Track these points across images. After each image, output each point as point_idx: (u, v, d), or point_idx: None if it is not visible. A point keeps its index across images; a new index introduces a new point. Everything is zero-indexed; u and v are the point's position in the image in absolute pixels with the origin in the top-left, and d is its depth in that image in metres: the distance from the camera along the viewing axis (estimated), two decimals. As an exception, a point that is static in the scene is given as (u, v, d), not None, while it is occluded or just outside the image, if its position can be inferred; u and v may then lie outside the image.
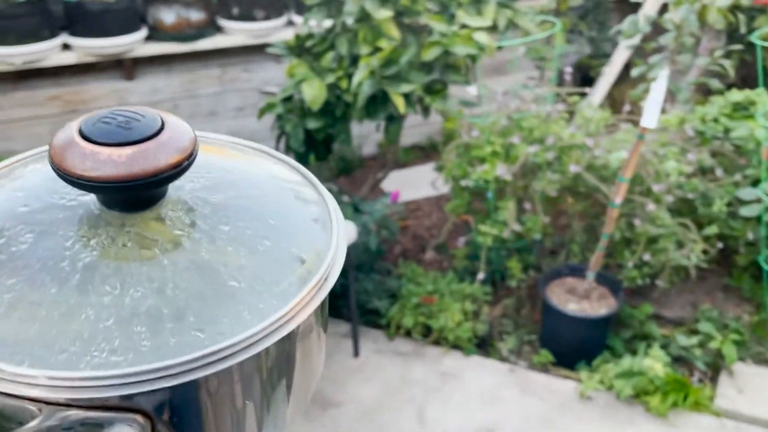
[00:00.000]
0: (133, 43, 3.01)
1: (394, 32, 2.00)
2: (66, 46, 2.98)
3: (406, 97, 1.97)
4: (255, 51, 3.40)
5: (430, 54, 1.93)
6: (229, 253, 0.36)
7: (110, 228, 0.35)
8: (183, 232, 0.36)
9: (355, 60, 2.17)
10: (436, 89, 2.03)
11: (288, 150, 2.33)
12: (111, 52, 2.98)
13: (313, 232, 0.39)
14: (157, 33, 3.08)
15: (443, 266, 2.73)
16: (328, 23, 2.18)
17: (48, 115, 3.12)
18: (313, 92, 2.03)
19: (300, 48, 2.32)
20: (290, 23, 3.36)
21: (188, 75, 3.32)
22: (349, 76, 2.14)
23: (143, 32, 3.04)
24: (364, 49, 2.00)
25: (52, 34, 2.90)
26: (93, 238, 0.35)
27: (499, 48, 2.03)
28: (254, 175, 0.43)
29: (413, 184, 3.34)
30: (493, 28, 2.12)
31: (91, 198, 0.37)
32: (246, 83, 3.44)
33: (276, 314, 0.33)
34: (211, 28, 3.18)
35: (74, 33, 2.93)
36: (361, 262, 2.34)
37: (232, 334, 0.31)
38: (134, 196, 0.35)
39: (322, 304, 0.36)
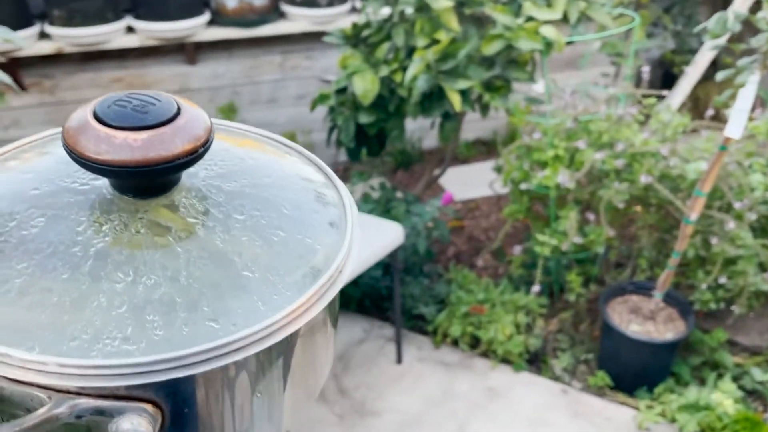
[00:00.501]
0: (195, 27, 2.98)
1: (454, 23, 1.86)
2: (130, 29, 2.98)
3: (463, 94, 1.84)
4: (317, 38, 3.32)
5: (491, 48, 1.78)
6: (243, 242, 0.35)
7: (123, 214, 0.35)
8: (197, 220, 0.35)
9: (411, 52, 2.04)
10: (496, 86, 1.89)
11: (339, 144, 2.24)
12: (173, 36, 2.97)
13: (326, 225, 0.38)
14: (219, 17, 3.05)
15: (498, 273, 2.58)
16: (386, 12, 2.07)
17: (112, 97, 3.15)
18: (365, 85, 1.93)
19: (356, 38, 2.22)
20: (354, 10, 3.26)
21: (250, 61, 3.28)
22: (405, 69, 2.02)
23: (206, 16, 3.01)
24: (420, 41, 1.88)
25: (117, 17, 2.91)
26: (105, 224, 0.34)
27: (569, 43, 1.86)
28: (268, 164, 0.43)
29: (473, 181, 3.20)
30: (563, 20, 1.95)
31: (103, 182, 0.36)
32: (307, 71, 3.38)
33: (290, 306, 0.32)
34: (273, 13, 3.12)
35: (138, 16, 2.93)
36: (409, 264, 2.23)
37: (245, 325, 0.31)
38: (148, 181, 0.34)
39: (333, 300, 0.35)
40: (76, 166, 0.34)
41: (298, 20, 3.14)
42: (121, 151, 0.32)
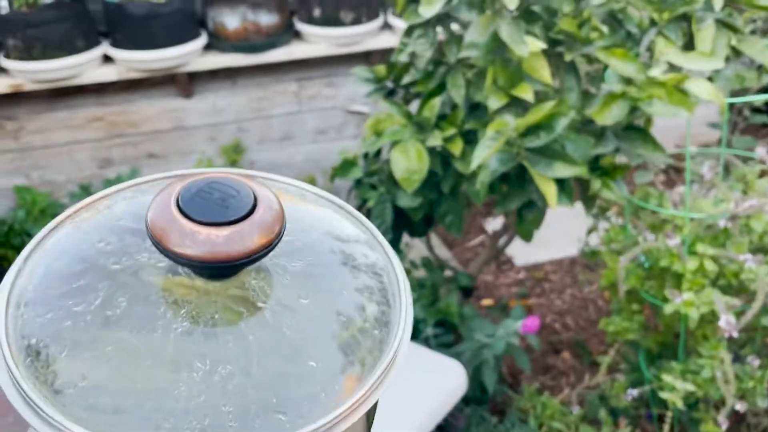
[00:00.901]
0: (188, 54, 2.38)
1: (546, 75, 1.22)
2: (107, 58, 2.40)
3: (560, 182, 1.20)
4: (341, 61, 2.70)
5: (610, 116, 1.14)
6: (308, 329, 0.36)
7: (199, 297, 0.36)
8: (266, 305, 0.36)
9: (475, 109, 1.41)
10: (608, 168, 1.24)
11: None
12: (161, 66, 2.37)
13: (381, 308, 0.39)
14: (218, 41, 2.44)
15: (581, 378, 1.94)
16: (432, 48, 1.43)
17: (90, 140, 2.57)
18: (409, 164, 1.30)
19: (393, 82, 1.59)
20: (387, 26, 2.63)
21: (257, 91, 2.67)
22: (465, 135, 1.38)
23: (201, 41, 2.40)
24: (494, 101, 1.24)
25: (89, 45, 2.31)
26: (183, 308, 0.35)
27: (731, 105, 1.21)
28: (329, 238, 0.42)
29: (540, 237, 2.55)
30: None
31: None
32: (329, 101, 2.75)
33: (352, 399, 0.33)
34: (286, 34, 2.49)
35: (116, 43, 2.33)
36: (469, 397, 1.60)
37: (311, 417, 0.32)
38: (226, 272, 0.36)
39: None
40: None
41: (316, 42, 2.52)
42: (203, 246, 0.33)
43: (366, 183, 1.57)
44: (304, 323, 0.36)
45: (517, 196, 1.28)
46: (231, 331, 0.35)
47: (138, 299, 0.35)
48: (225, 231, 0.33)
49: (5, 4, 2.25)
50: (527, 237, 1.39)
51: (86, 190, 2.53)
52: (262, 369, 0.34)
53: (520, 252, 2.49)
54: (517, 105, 1.26)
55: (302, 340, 0.35)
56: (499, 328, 1.43)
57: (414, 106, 1.53)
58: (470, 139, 1.40)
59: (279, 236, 0.35)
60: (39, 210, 2.49)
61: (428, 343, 1.82)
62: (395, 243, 1.58)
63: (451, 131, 1.35)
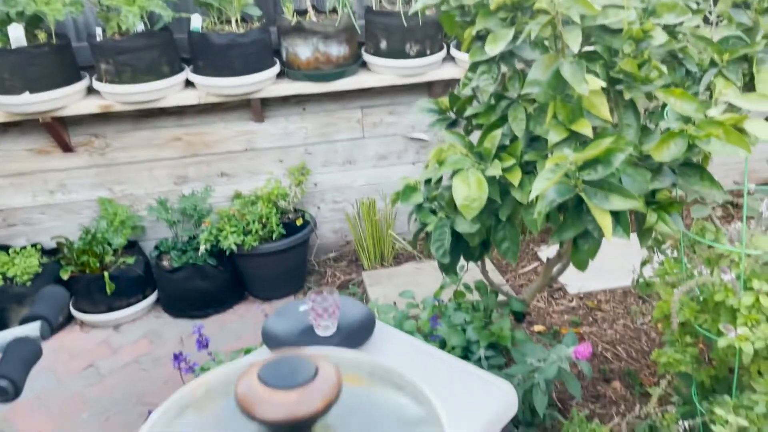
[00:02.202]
0: (263, 81, 2.53)
1: (605, 111, 1.29)
2: (188, 83, 2.58)
3: (616, 214, 1.26)
4: (403, 90, 2.81)
5: (668, 152, 1.19)
6: None
7: None
8: None
9: (534, 141, 1.48)
10: (665, 202, 1.29)
11: (428, 251, 1.70)
12: (237, 92, 2.53)
13: None
14: (290, 71, 2.59)
15: (631, 404, 1.95)
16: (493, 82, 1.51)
17: (168, 158, 2.75)
18: (469, 192, 1.38)
19: (456, 114, 1.68)
20: (449, 58, 2.73)
21: (324, 117, 2.81)
22: (524, 166, 1.46)
23: (275, 69, 2.56)
24: (554, 135, 1.31)
25: (173, 71, 2.50)
26: None
27: (785, 146, 1.25)
28: (384, 401, 0.50)
29: (596, 265, 2.57)
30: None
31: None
32: (390, 127, 2.87)
33: None
34: (354, 64, 2.63)
35: (197, 69, 2.51)
36: (519, 419, 1.65)
37: None
38: (297, 428, 0.42)
39: None
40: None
41: (382, 72, 2.64)
42: (278, 409, 0.41)
43: (426, 208, 1.66)
44: None
45: (574, 226, 1.34)
46: None
47: None
48: (293, 395, 0.42)
49: (99, 31, 2.46)
50: (582, 266, 1.44)
51: (163, 205, 2.70)
52: None
53: (574, 280, 2.52)
54: (575, 139, 1.33)
55: None
56: (551, 352, 1.48)
57: (475, 137, 1.61)
58: (528, 169, 1.47)
59: (336, 399, 0.42)
60: (119, 221, 2.67)
61: (480, 364, 1.88)
62: (452, 266, 1.65)
63: (511, 162, 1.43)
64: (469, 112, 1.55)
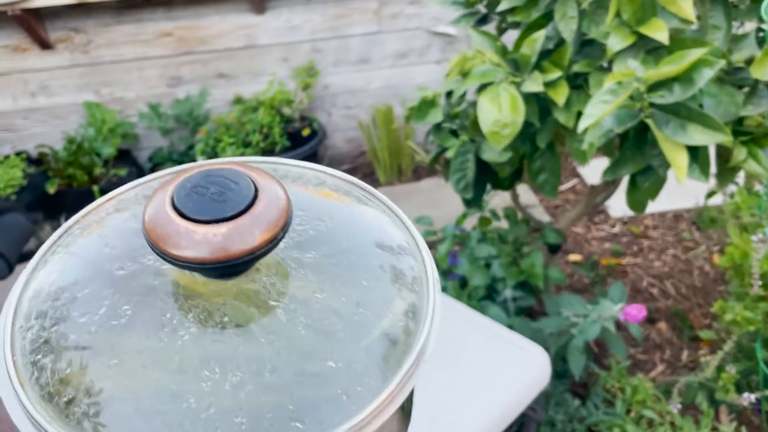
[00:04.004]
0: (260, -36, 2.16)
1: (687, 7, 0.94)
2: (174, -32, 2.22)
3: (693, 149, 0.94)
4: (428, -25, 2.41)
5: (774, 70, 0.86)
6: (325, 327, 0.33)
7: (206, 299, 0.33)
8: (278, 303, 0.34)
9: (585, 46, 1.14)
10: (757, 133, 0.97)
11: (446, 175, 1.41)
12: (230, -23, 2.17)
13: (406, 304, 0.35)
14: (293, -50, 2.20)
15: (679, 356, 1.71)
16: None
17: (158, 56, 2.43)
18: (500, 115, 1.07)
19: (486, 7, 1.32)
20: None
21: (335, 7, 2.43)
22: (573, 79, 1.13)
23: (274, -51, 2.18)
24: (616, 39, 0.98)
25: (155, -47, 2.13)
26: (189, 312, 0.33)
27: None
28: (347, 225, 0.39)
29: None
30: None
31: None
32: (412, 20, 2.48)
33: (376, 400, 0.30)
34: (367, -58, 2.22)
35: (183, -50, 2.14)
36: (549, 391, 1.42)
37: (331, 424, 0.30)
38: (228, 272, 0.33)
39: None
40: None
41: (401, -48, 2.24)
42: (200, 247, 0.30)
43: (446, 128, 1.35)
44: (321, 320, 0.33)
45: (633, 161, 1.04)
46: (241, 334, 0.32)
47: (143, 306, 0.33)
48: (222, 228, 0.31)
49: None
50: (639, 208, 1.15)
51: (155, 110, 2.42)
52: (276, 374, 0.31)
53: (617, 201, 2.22)
54: (644, 45, 0.99)
55: (319, 339, 0.33)
56: (594, 309, 1.22)
57: (510, 40, 1.28)
58: (577, 83, 1.15)
59: (284, 230, 0.32)
60: (108, 129, 2.40)
61: (506, 306, 1.64)
62: (476, 199, 1.36)
63: (555, 74, 1.10)
64: (503, 5, 1.20)
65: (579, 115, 1.14)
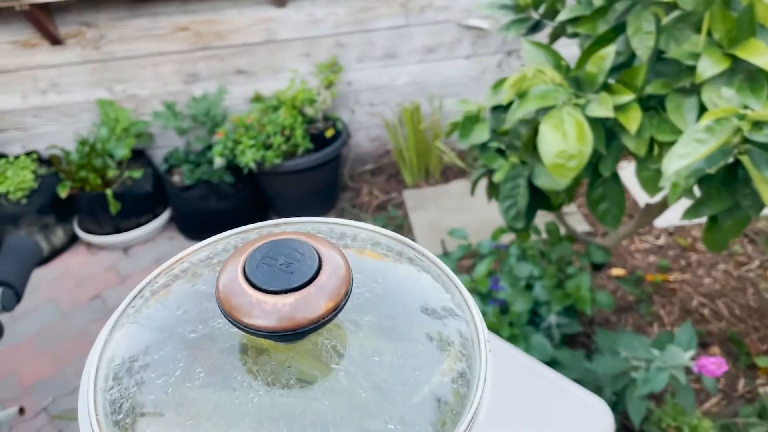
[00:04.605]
0: (282, -45, 2.02)
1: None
2: (190, -40, 2.08)
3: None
4: (459, -35, 2.25)
5: None
6: (383, 389, 0.34)
7: (272, 362, 0.35)
8: (339, 366, 0.35)
9: (659, 62, 1.00)
10: None
11: (493, 198, 1.29)
12: (250, -31, 2.03)
13: (459, 363, 0.37)
14: (316, -61, 2.06)
15: (734, 379, 1.59)
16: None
17: (174, 52, 2.30)
18: (565, 145, 0.94)
19: (542, 15, 1.19)
20: None
21: (360, 0, 2.28)
22: (645, 101, 1.00)
23: (297, -62, 2.03)
24: (707, 63, 0.84)
25: (169, -57, 2.00)
26: (258, 376, 0.35)
27: None
28: (400, 286, 0.40)
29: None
30: None
31: None
32: (441, 12, 2.34)
33: None
34: (396, -70, 2.07)
35: (199, -59, 2.01)
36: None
37: None
38: (295, 338, 0.35)
39: None
40: None
41: (432, -59, 2.08)
42: (270, 316, 0.32)
43: (493, 146, 1.22)
44: (379, 384, 0.34)
45: (719, 200, 0.91)
46: (306, 396, 0.34)
47: (215, 368, 0.35)
48: (290, 299, 0.33)
49: None
50: (719, 247, 1.02)
51: (171, 109, 2.30)
52: None
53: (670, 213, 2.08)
54: (738, 70, 0.86)
55: (378, 402, 0.34)
56: (661, 356, 1.09)
57: (566, 50, 1.14)
58: (648, 105, 1.01)
59: (346, 298, 0.34)
60: (122, 129, 2.29)
61: (550, 333, 1.52)
62: (526, 228, 1.24)
63: (626, 96, 0.96)
64: (564, 15, 1.06)
65: (651, 142, 1.01)
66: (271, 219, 2.03)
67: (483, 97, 2.44)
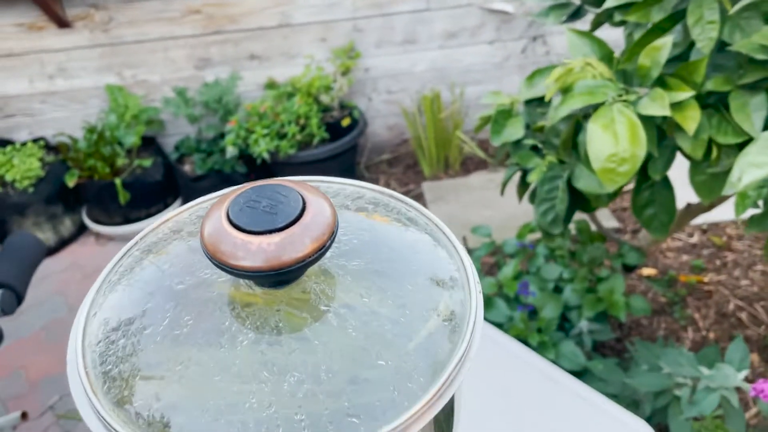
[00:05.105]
0: (298, -66, 1.91)
1: None
2: (203, -61, 1.99)
3: None
4: (484, -55, 2.14)
5: None
6: (373, 327, 0.35)
7: (262, 307, 0.35)
8: (328, 307, 0.35)
9: (720, 53, 0.91)
10: None
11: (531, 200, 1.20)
12: (265, -51, 1.93)
13: (453, 302, 0.37)
14: None
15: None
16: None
17: (185, 36, 2.22)
18: (617, 148, 0.84)
19: (584, 1, 1.09)
20: None
21: (379, -18, 2.18)
22: (703, 98, 0.90)
23: None
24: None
25: None
26: (247, 319, 0.35)
27: None
28: (389, 233, 0.41)
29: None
30: None
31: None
32: (464, -4, 2.23)
33: (427, 394, 0.32)
34: None
35: None
36: None
37: (385, 419, 0.31)
38: (281, 279, 0.35)
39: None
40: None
41: None
42: (256, 256, 0.32)
43: (524, 150, 1.13)
44: (369, 323, 0.35)
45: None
46: (296, 337, 0.34)
47: (203, 316, 0.35)
48: (276, 238, 0.33)
49: None
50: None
51: (182, 96, 2.22)
52: (331, 373, 0.33)
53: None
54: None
55: (369, 340, 0.34)
56: (711, 377, 1.00)
57: (605, 34, 1.04)
58: (706, 102, 0.92)
59: (332, 238, 0.34)
60: (131, 116, 2.21)
61: (581, 341, 1.43)
62: (563, 233, 1.15)
63: (684, 93, 0.87)
64: (612, 1, 0.96)
65: (709, 143, 0.91)
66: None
67: (507, 84, 2.34)
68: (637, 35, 0.99)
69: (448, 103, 2.36)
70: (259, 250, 0.32)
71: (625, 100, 0.89)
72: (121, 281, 0.38)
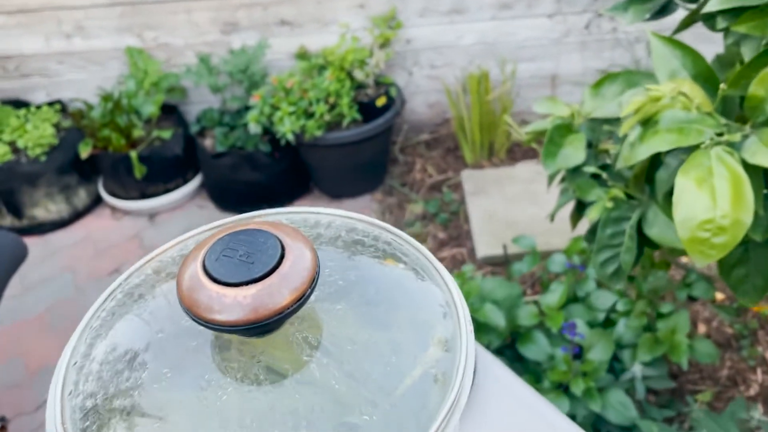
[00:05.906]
0: None
1: None
2: None
3: None
4: None
5: None
6: (357, 379, 0.34)
7: (241, 358, 0.34)
8: (311, 357, 0.34)
9: None
10: None
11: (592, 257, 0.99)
12: None
13: (439, 352, 0.35)
14: None
15: None
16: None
17: (210, -3, 2.02)
18: (713, 212, 0.63)
19: (678, -4, 0.85)
20: None
21: (426, -57, 1.93)
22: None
23: None
24: None
25: None
26: (227, 373, 0.34)
27: None
28: (372, 272, 0.39)
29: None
30: None
31: None
32: (523, -38, 1.96)
33: None
34: None
35: None
36: None
37: None
38: (259, 332, 0.34)
39: None
40: None
41: None
42: (232, 310, 0.32)
43: (582, 179, 0.92)
44: (353, 373, 0.33)
45: None
46: (276, 391, 0.33)
47: (183, 368, 0.34)
48: (252, 290, 0.32)
49: None
50: None
51: (206, 63, 2.03)
52: (312, 429, 0.32)
53: None
54: None
55: (351, 393, 0.33)
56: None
57: (688, 37, 0.81)
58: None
59: (312, 287, 0.33)
60: (151, 83, 2.04)
61: (632, 388, 1.23)
62: (626, 285, 0.94)
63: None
64: (717, 4, 0.73)
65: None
66: (312, 193, 1.73)
67: (564, 64, 2.08)
68: (745, 49, 0.76)
69: (498, 82, 2.12)
70: (235, 304, 0.32)
71: (727, 142, 0.67)
72: (101, 327, 0.37)
